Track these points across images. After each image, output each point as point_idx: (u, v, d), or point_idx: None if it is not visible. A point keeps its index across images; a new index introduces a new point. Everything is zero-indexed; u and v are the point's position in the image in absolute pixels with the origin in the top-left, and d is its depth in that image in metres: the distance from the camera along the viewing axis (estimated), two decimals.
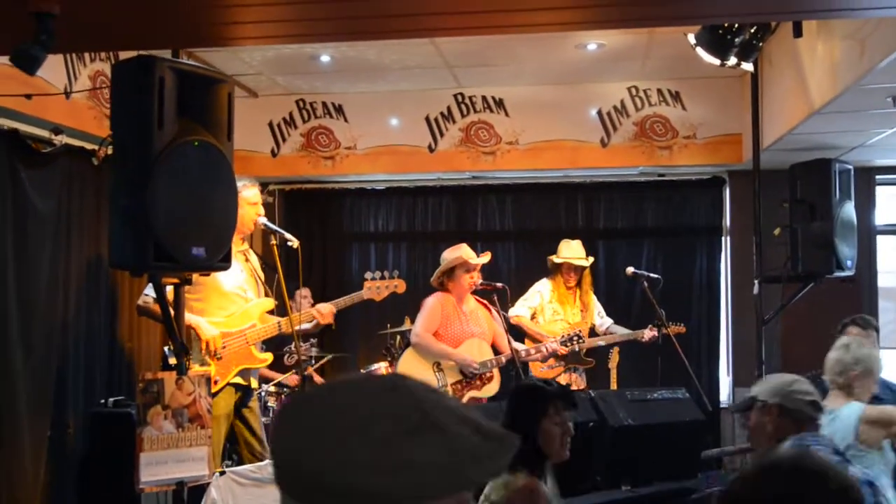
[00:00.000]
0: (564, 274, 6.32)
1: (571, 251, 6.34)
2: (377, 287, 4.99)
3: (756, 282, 6.03)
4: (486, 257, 5.62)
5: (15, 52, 2.68)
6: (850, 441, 3.56)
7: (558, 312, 6.31)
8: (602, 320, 6.49)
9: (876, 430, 3.61)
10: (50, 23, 2.55)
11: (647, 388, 5.15)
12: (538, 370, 6.20)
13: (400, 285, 5.06)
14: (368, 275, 5.04)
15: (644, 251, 7.46)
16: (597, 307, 6.50)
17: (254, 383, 4.68)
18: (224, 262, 3.47)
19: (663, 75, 6.86)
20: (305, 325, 4.78)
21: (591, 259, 6.41)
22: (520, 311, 6.33)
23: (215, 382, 4.37)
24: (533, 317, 6.34)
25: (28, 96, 3.80)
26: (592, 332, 6.40)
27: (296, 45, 5.82)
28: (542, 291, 6.40)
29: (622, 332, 6.31)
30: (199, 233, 3.27)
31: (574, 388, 5.91)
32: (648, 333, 6.01)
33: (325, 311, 4.75)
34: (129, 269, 3.33)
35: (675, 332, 6.16)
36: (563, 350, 5.82)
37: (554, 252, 6.40)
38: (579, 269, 6.33)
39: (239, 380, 4.52)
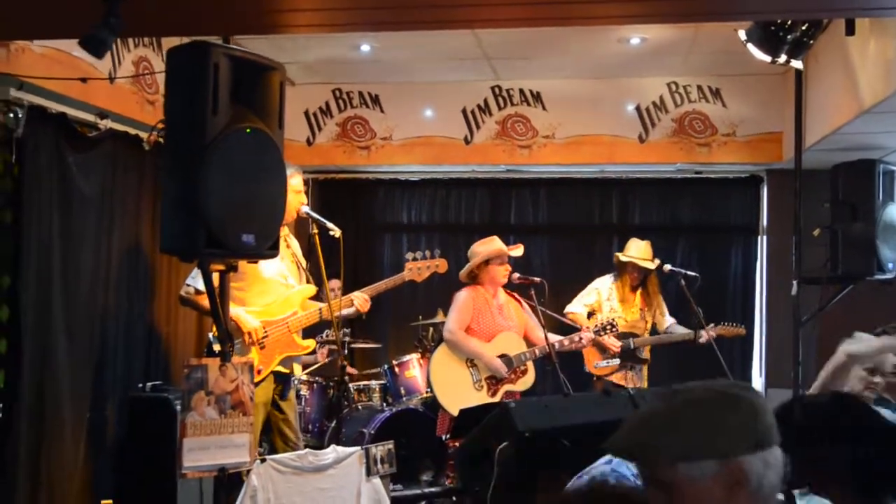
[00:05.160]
0: (630, 273, 6.25)
1: (638, 251, 6.25)
2: (418, 268, 4.94)
3: (795, 282, 5.97)
4: (519, 249, 5.57)
5: (85, 35, 2.67)
6: None
7: (615, 310, 6.23)
8: (664, 318, 6.40)
9: None
10: (118, 6, 2.54)
11: None
12: (593, 367, 6.14)
13: (441, 265, 5.02)
14: (409, 255, 4.98)
15: (678, 249, 7.41)
16: (661, 306, 6.41)
17: (297, 370, 4.67)
18: (272, 250, 3.47)
19: (704, 71, 6.79)
20: (347, 311, 4.77)
21: (657, 262, 6.23)
22: (576, 308, 6.30)
23: (258, 372, 4.36)
24: (591, 314, 6.28)
25: (83, 80, 3.80)
26: (654, 331, 6.34)
27: (335, 35, 5.80)
28: (599, 289, 6.34)
29: (680, 331, 6.23)
30: (248, 220, 3.26)
31: (631, 385, 5.85)
32: (706, 335, 5.83)
33: (359, 302, 4.73)
34: (180, 255, 3.34)
35: (733, 335, 6.06)
36: (595, 339, 5.67)
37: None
38: (643, 270, 6.24)
39: (280, 368, 4.52)
